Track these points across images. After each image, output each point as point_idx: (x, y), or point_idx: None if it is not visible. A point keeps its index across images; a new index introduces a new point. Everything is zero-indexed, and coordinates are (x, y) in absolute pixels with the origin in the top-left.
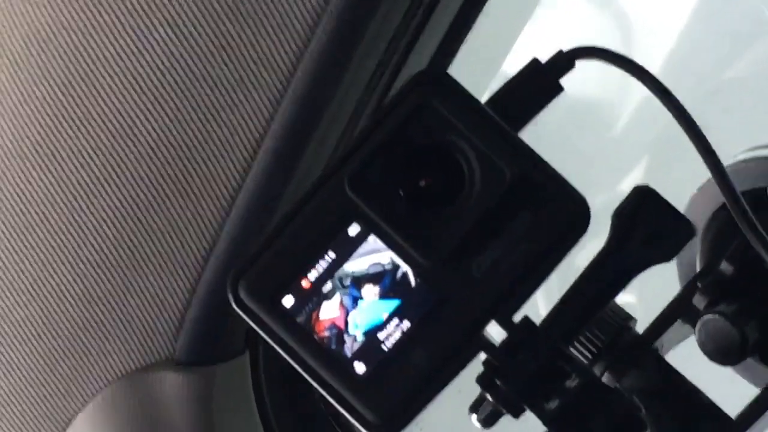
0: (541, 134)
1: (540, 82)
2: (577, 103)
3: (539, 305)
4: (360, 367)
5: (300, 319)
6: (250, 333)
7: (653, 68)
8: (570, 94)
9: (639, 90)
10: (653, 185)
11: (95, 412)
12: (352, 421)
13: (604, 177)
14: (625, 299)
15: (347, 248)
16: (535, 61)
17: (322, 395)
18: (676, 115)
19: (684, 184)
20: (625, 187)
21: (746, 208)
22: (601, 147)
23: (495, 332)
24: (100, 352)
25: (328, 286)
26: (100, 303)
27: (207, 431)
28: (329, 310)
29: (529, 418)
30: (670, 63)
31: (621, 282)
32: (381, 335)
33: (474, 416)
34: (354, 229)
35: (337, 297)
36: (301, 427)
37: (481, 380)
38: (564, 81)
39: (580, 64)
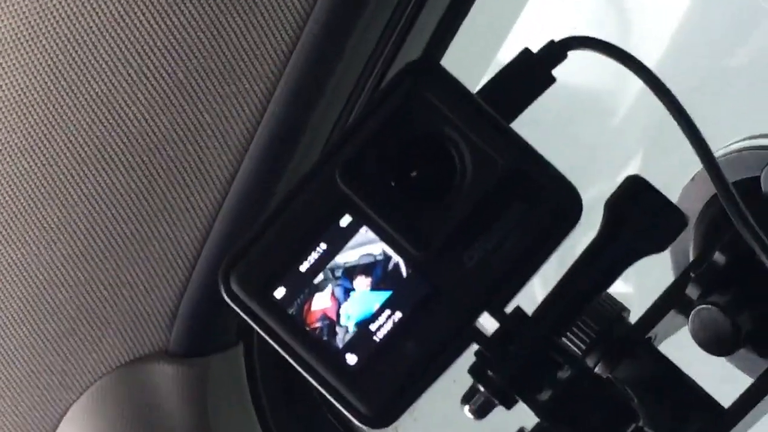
0: (538, 123)
1: (532, 73)
2: (574, 92)
3: (536, 295)
4: (352, 359)
5: (291, 310)
6: (244, 324)
7: (649, 57)
8: (567, 83)
9: (636, 79)
10: (650, 174)
11: (89, 403)
12: (344, 412)
13: (601, 166)
14: (618, 290)
15: (339, 240)
16: (526, 52)
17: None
18: (667, 105)
19: (682, 173)
20: (622, 177)
21: (737, 198)
22: (599, 136)
23: (487, 323)
24: (94, 343)
25: (319, 278)
26: (93, 294)
27: (201, 422)
28: (321, 302)
29: (522, 408)
30: (666, 52)
31: (613, 272)
32: (373, 326)
33: (466, 407)
34: (345, 221)
35: (328, 288)
36: (295, 417)
37: (473, 371)
38: (560, 70)
39: (579, 55)
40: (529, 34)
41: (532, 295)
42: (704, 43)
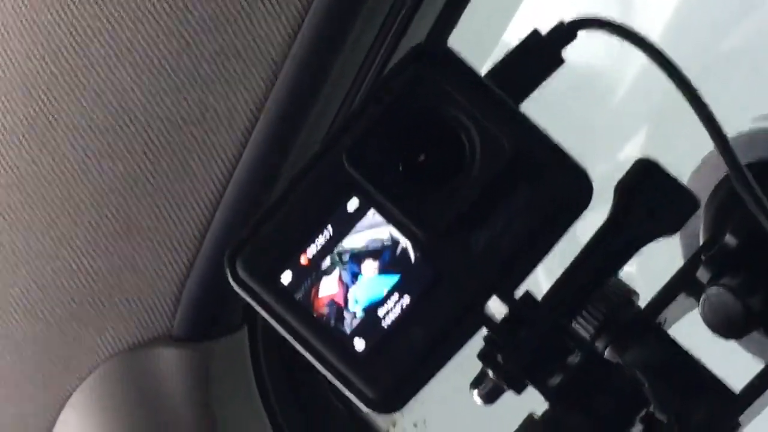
0: (542, 105)
1: (541, 54)
2: (578, 73)
3: (542, 280)
4: (360, 344)
5: (298, 295)
6: (249, 309)
7: (653, 39)
8: (571, 65)
9: (640, 60)
10: (656, 156)
11: (93, 387)
12: (352, 397)
13: (607, 148)
14: (628, 273)
15: (346, 223)
16: (535, 33)
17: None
18: (678, 85)
19: (687, 155)
20: (628, 159)
21: (750, 179)
22: (603, 118)
23: (496, 308)
24: (98, 328)
25: (327, 262)
26: (97, 279)
27: (205, 406)
28: (328, 287)
29: (531, 393)
30: (670, 34)
31: (623, 256)
32: (381, 311)
33: (475, 392)
34: (353, 204)
35: (336, 273)
36: (299, 401)
37: (482, 356)
38: (565, 52)
39: (582, 35)
40: (536, 15)
41: (538, 281)
42: (708, 26)
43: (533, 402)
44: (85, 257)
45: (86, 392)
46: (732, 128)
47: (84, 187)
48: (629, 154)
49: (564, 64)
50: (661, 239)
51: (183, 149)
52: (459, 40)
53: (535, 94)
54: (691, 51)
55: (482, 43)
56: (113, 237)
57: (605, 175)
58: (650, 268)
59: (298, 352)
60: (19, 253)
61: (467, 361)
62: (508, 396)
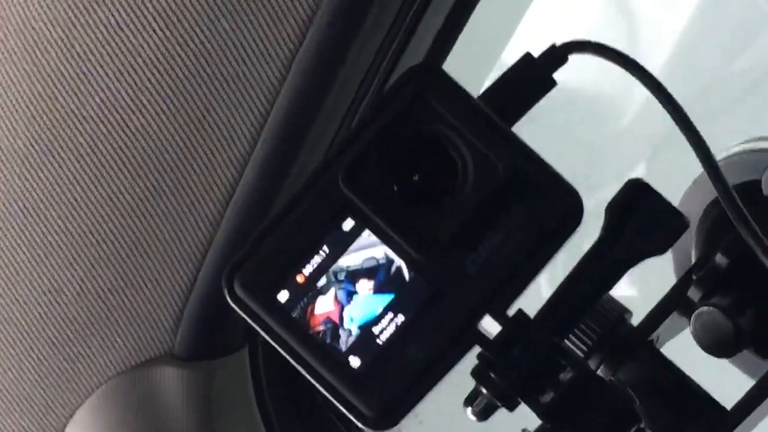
0: (543, 127)
1: (533, 77)
2: (579, 95)
3: (543, 294)
4: (355, 361)
5: (295, 313)
6: (249, 328)
7: (655, 61)
8: (572, 86)
9: (637, 83)
10: (656, 177)
11: (95, 406)
12: (348, 414)
13: (607, 169)
14: (620, 292)
15: (342, 243)
16: (527, 56)
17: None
18: (667, 108)
19: (685, 177)
20: (624, 181)
21: (738, 202)
22: (604, 139)
23: (490, 326)
24: (100, 346)
25: (322, 281)
26: (99, 298)
27: (206, 426)
28: (324, 305)
29: (524, 410)
30: (671, 56)
31: (615, 275)
32: (376, 329)
33: (469, 409)
34: (348, 224)
35: (331, 292)
36: (300, 420)
37: (475, 373)
38: (565, 73)
39: (580, 58)
40: (533, 38)
41: (535, 297)
42: (707, 47)
43: (529, 419)
44: (86, 276)
45: (89, 411)
46: (727, 149)
47: (85, 206)
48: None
49: (568, 86)
50: (652, 258)
51: (184, 169)
52: (455, 63)
53: (540, 118)
54: (688, 74)
55: (479, 65)
56: (114, 257)
57: (607, 197)
58: (643, 287)
59: (298, 372)
60: (20, 271)
61: (465, 380)
62: (505, 417)
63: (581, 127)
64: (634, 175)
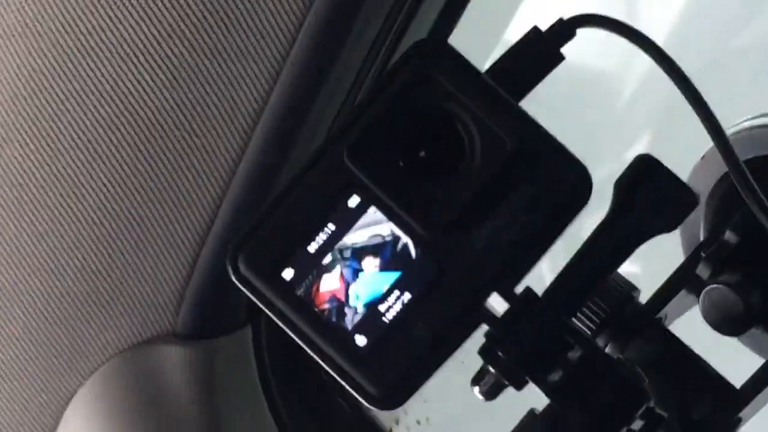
0: (545, 105)
1: (540, 51)
2: (580, 73)
3: (545, 276)
4: (361, 340)
5: (300, 291)
6: (252, 306)
7: (656, 38)
8: (573, 64)
9: (643, 59)
10: (658, 155)
11: (97, 385)
12: (354, 393)
13: (609, 148)
14: (628, 270)
15: (347, 220)
16: (535, 30)
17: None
18: (678, 83)
19: (689, 153)
20: (630, 157)
21: (749, 176)
22: (606, 117)
23: (497, 304)
24: (101, 325)
25: (328, 259)
26: (100, 277)
27: (209, 404)
28: (330, 283)
29: (532, 389)
30: (672, 32)
31: (623, 252)
32: (382, 307)
33: (476, 388)
34: (354, 201)
35: (337, 269)
36: (304, 399)
37: (483, 352)
38: (567, 50)
39: (584, 33)
40: (537, 13)
41: (541, 276)
42: (713, 23)
43: (538, 400)
44: (88, 255)
45: (90, 389)
46: (736, 125)
47: (87, 186)
48: (635, 153)
49: (570, 64)
50: (660, 235)
51: (185, 147)
52: (461, 38)
53: (540, 96)
54: (694, 49)
55: (484, 40)
56: (116, 235)
57: (610, 176)
58: (651, 265)
59: (301, 350)
60: (22, 250)
61: (471, 358)
62: (513, 395)
63: (580, 104)
64: (634, 152)
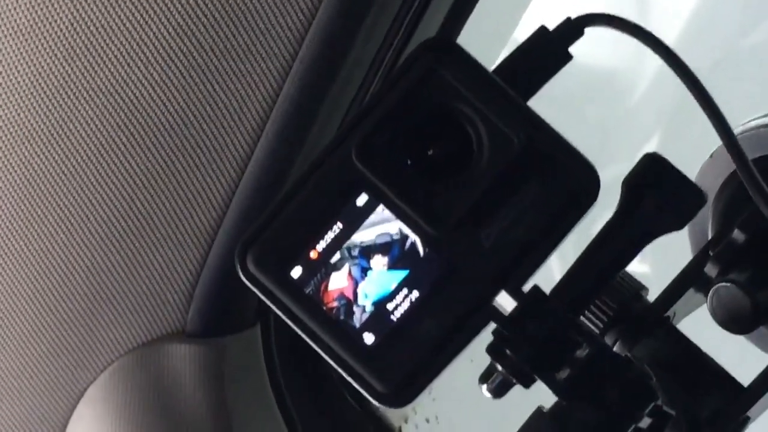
0: (554, 104)
1: (548, 50)
2: (589, 72)
3: (554, 274)
4: (369, 338)
5: (308, 289)
6: (261, 305)
7: (665, 37)
8: (582, 63)
9: (652, 58)
10: (666, 153)
11: (107, 383)
12: (362, 391)
13: (618, 147)
14: (636, 268)
15: (355, 219)
16: (543, 29)
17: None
18: (685, 82)
19: (698, 152)
20: (639, 156)
21: (757, 174)
22: (614, 116)
23: (505, 302)
24: (111, 324)
25: (336, 257)
26: (110, 276)
27: (218, 402)
28: (338, 281)
29: (540, 387)
30: (681, 31)
31: (631, 251)
32: (390, 306)
33: (484, 386)
34: (362, 200)
35: (345, 268)
36: (313, 397)
37: (490, 350)
38: (576, 50)
39: (593, 33)
40: (546, 12)
41: (550, 274)
42: (721, 22)
43: (545, 396)
44: (98, 254)
45: (101, 387)
46: (743, 124)
47: (97, 184)
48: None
49: (578, 63)
50: (669, 234)
51: (195, 146)
52: (469, 37)
53: (550, 95)
54: (704, 48)
55: (492, 39)
56: (126, 233)
57: (618, 174)
58: (659, 263)
59: (310, 348)
60: (32, 248)
61: (480, 356)
62: (521, 394)
63: (588, 103)
64: (643, 151)
